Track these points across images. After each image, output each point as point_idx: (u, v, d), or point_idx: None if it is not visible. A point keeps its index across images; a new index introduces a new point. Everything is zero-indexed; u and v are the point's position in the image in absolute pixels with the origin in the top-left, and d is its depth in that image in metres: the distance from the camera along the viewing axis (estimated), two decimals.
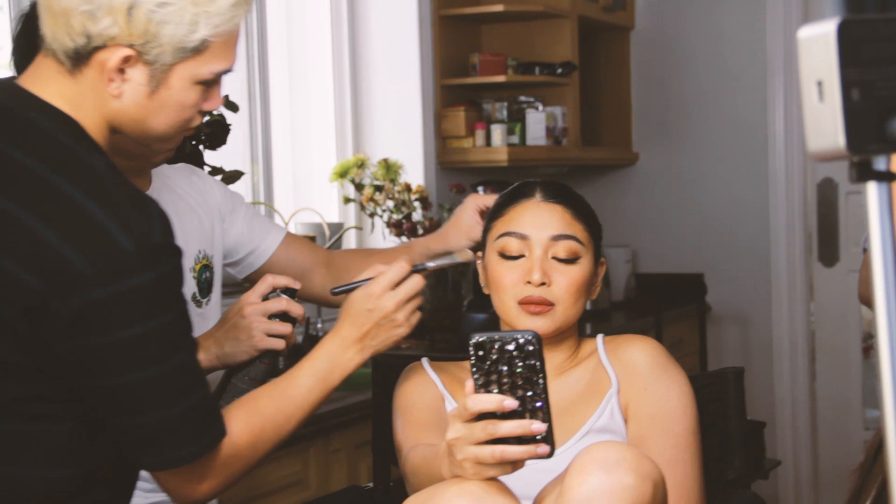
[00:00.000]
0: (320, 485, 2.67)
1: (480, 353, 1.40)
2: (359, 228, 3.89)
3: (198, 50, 1.46)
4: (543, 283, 1.71)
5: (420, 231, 3.71)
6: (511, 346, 1.39)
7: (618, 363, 1.76)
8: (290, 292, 1.77)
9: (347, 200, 3.82)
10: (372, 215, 3.75)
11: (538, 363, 1.39)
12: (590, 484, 1.41)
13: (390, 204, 3.72)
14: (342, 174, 3.74)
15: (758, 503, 1.81)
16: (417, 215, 3.76)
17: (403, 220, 3.71)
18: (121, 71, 1.45)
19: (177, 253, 1.44)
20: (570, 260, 1.74)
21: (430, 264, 1.67)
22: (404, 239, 3.72)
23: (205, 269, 1.99)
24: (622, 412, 1.72)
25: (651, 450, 1.62)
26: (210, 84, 1.51)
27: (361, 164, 3.75)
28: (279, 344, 1.75)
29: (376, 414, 1.98)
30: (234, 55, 1.52)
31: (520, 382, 1.39)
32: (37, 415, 1.44)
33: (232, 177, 2.91)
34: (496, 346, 1.39)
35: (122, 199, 1.41)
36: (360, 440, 2.71)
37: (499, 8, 4.01)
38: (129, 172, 1.74)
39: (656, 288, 4.42)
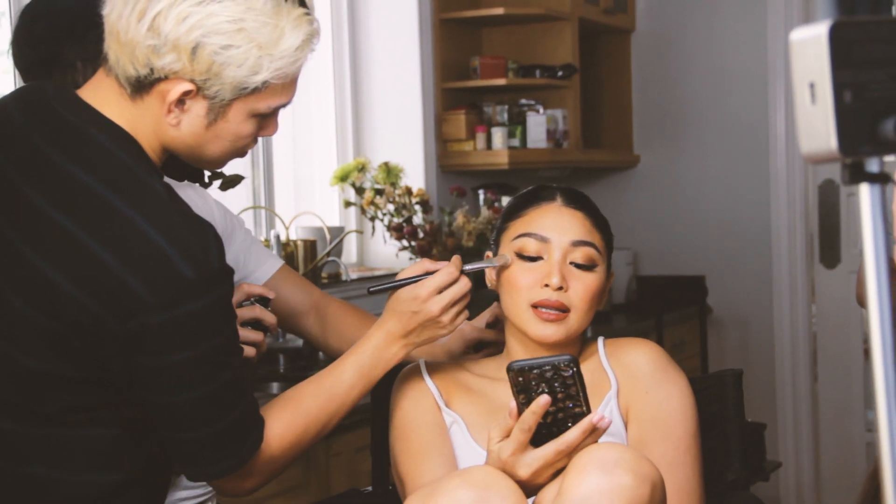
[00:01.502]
0: (320, 488, 2.67)
1: (520, 379, 1.49)
2: (359, 232, 3.90)
3: (258, 89, 1.47)
4: (561, 288, 1.70)
5: (420, 234, 3.71)
6: (549, 372, 1.48)
7: (618, 366, 1.76)
8: (263, 301, 1.78)
9: (348, 204, 3.82)
10: (373, 219, 3.75)
11: (577, 383, 1.49)
12: (588, 484, 1.42)
13: (391, 207, 3.72)
14: (343, 178, 3.75)
15: None
16: (418, 219, 3.77)
17: (404, 224, 3.71)
18: (181, 102, 1.46)
19: (230, 275, 1.47)
20: (588, 267, 1.73)
21: (467, 267, 1.68)
22: (405, 242, 3.72)
23: None
24: (622, 415, 1.72)
25: (652, 453, 1.62)
26: (267, 116, 1.53)
27: (362, 168, 3.75)
28: (250, 351, 1.76)
29: (375, 418, 1.98)
30: (295, 90, 1.53)
31: (560, 397, 1.49)
32: (84, 421, 1.48)
33: (232, 181, 2.90)
34: (535, 372, 1.48)
35: (181, 223, 1.43)
36: (360, 443, 2.71)
37: (499, 11, 4.01)
38: None
39: (657, 290, 4.42)
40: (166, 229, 1.40)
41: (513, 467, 1.50)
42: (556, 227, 1.74)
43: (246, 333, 1.75)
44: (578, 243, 1.73)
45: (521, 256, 1.73)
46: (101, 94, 1.49)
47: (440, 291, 1.64)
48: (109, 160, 1.45)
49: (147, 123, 1.48)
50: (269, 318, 1.77)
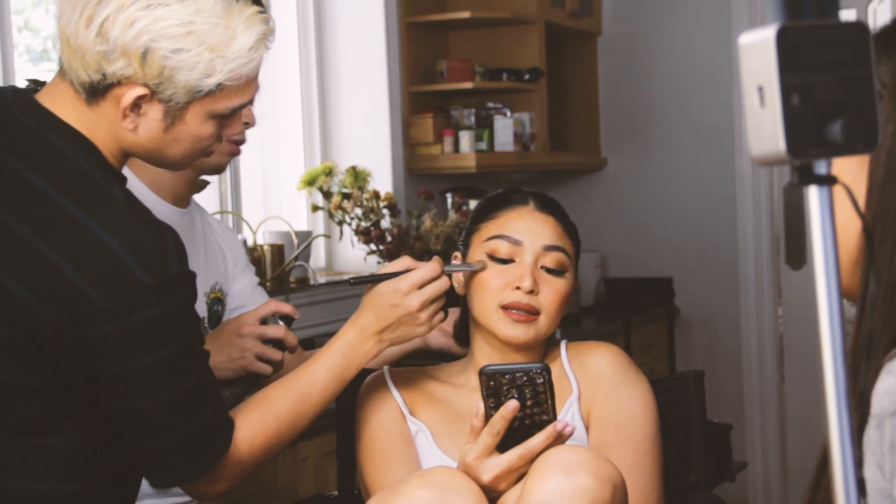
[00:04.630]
0: (288, 493, 2.66)
1: (491, 383, 1.50)
2: (327, 237, 3.89)
3: (213, 92, 1.45)
4: (532, 291, 1.71)
5: (388, 238, 3.70)
6: (521, 379, 1.50)
7: (580, 370, 1.76)
8: (288, 321, 1.78)
9: (316, 209, 3.81)
10: (340, 223, 3.75)
11: (547, 391, 1.50)
12: (550, 486, 1.43)
13: (359, 212, 3.72)
14: (310, 182, 3.74)
15: None
16: (386, 223, 3.76)
17: (372, 228, 3.71)
18: (136, 106, 1.44)
19: (191, 279, 1.45)
20: (559, 272, 1.74)
21: (448, 268, 1.69)
22: (372, 246, 3.72)
23: (217, 301, 2.02)
24: (584, 419, 1.73)
25: (612, 456, 1.62)
26: (227, 116, 1.51)
27: (329, 172, 3.74)
28: (267, 369, 1.76)
29: (340, 423, 1.98)
30: (254, 89, 1.52)
31: (529, 404, 1.50)
32: (45, 431, 1.46)
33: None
34: (507, 378, 1.49)
35: (140, 230, 1.41)
36: (328, 448, 2.70)
37: (465, 14, 4.02)
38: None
39: (625, 292, 4.44)
40: (123, 235, 1.39)
41: (476, 471, 1.50)
42: (528, 230, 1.74)
43: (266, 351, 1.77)
44: (550, 248, 1.74)
45: (493, 259, 1.74)
46: (58, 99, 1.48)
47: (421, 287, 1.64)
48: (67, 166, 1.44)
49: (104, 128, 1.47)
50: (291, 339, 1.78)
